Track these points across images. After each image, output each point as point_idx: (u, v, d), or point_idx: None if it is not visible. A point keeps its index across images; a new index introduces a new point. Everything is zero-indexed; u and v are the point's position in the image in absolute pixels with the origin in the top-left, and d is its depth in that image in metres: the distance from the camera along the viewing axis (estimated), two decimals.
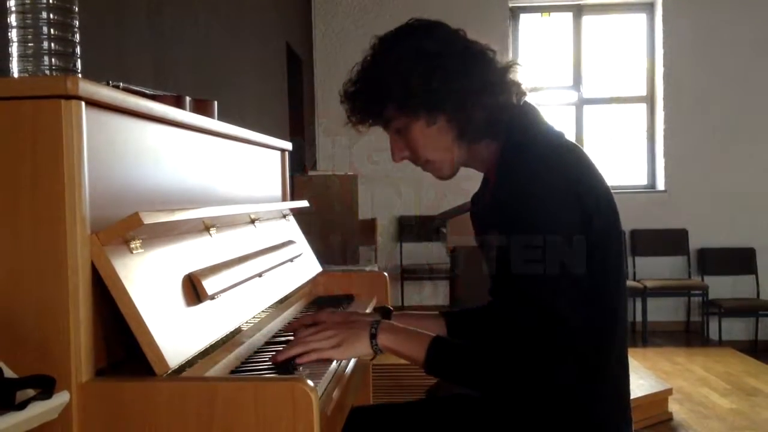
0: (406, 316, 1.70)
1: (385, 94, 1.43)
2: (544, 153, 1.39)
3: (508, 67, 1.47)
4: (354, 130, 1.52)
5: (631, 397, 1.51)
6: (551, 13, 6.96)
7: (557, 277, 1.31)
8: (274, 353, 1.43)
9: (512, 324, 1.33)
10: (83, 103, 1.10)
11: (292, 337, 1.66)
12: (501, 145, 1.46)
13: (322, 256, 2.46)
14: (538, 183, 1.34)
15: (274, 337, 1.69)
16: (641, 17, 6.86)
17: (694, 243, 6.51)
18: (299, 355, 1.39)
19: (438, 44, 1.42)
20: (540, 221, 1.32)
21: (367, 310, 2.09)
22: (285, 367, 1.37)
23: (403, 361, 1.44)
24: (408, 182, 6.35)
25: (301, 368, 1.40)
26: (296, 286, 1.99)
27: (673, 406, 4.16)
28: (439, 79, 1.40)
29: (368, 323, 1.43)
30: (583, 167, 1.42)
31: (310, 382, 1.09)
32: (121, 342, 1.16)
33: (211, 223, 1.52)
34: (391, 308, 1.70)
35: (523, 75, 1.48)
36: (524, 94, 1.48)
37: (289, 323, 1.75)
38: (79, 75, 1.34)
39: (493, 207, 1.46)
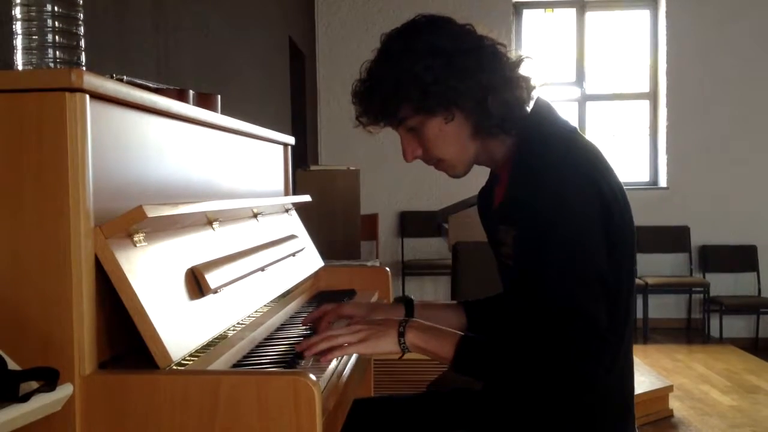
0: (427, 306, 1.69)
1: (400, 93, 1.40)
2: (562, 149, 1.38)
3: (519, 62, 1.45)
4: (365, 131, 1.49)
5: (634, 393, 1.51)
6: (554, 9, 6.95)
7: (584, 275, 1.29)
8: (291, 345, 1.42)
9: (541, 326, 1.30)
10: (88, 96, 1.10)
11: (294, 333, 1.66)
12: (516, 142, 1.45)
13: (324, 250, 2.47)
14: (559, 180, 1.32)
15: (276, 331, 1.69)
16: (644, 14, 6.85)
17: (696, 240, 6.50)
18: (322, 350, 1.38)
19: (450, 40, 1.40)
20: (564, 218, 1.30)
21: (373, 299, 2.09)
22: (286, 361, 1.38)
23: (404, 357, 1.44)
24: (410, 177, 6.35)
25: (303, 362, 1.40)
26: (298, 281, 1.99)
27: (674, 403, 4.16)
28: (455, 76, 1.38)
29: (396, 321, 1.40)
30: (600, 163, 1.41)
31: (312, 376, 1.10)
32: (124, 335, 1.16)
33: (214, 217, 1.53)
34: (413, 298, 1.69)
35: (533, 70, 1.47)
36: (534, 88, 1.46)
37: (308, 314, 1.71)
38: (83, 68, 1.34)
39: (508, 204, 1.44)
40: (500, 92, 1.40)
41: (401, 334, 1.37)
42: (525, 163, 1.40)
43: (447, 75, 1.38)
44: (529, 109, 1.46)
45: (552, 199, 1.31)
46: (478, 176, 1.67)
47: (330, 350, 1.36)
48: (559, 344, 1.28)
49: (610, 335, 1.30)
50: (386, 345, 1.38)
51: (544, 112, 1.46)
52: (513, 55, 1.46)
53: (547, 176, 1.34)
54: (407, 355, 1.41)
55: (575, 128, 1.47)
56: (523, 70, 1.45)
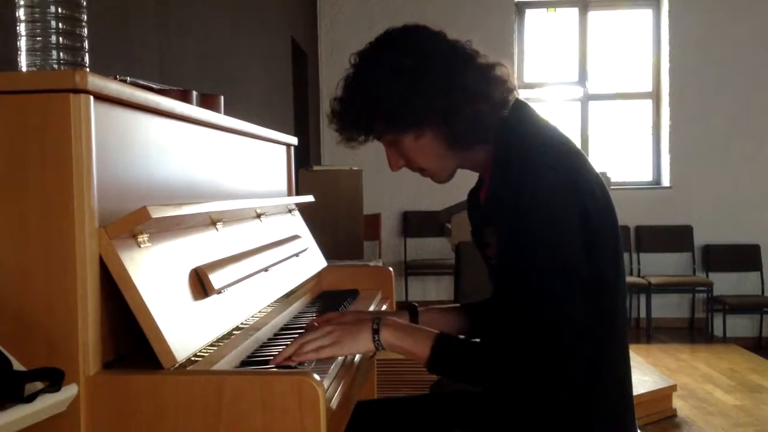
0: (430, 311, 1.70)
1: (370, 114, 1.43)
2: (539, 148, 1.38)
3: (493, 66, 1.45)
4: (347, 146, 1.52)
5: (636, 393, 1.51)
6: (557, 9, 6.95)
7: (559, 274, 1.30)
8: (277, 354, 1.42)
9: (516, 323, 1.31)
10: (92, 98, 1.10)
11: (298, 334, 1.67)
12: (494, 146, 1.45)
13: (327, 250, 2.47)
14: (535, 178, 1.33)
15: (280, 331, 1.70)
16: (647, 13, 6.84)
17: (699, 239, 6.50)
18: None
19: (415, 58, 1.40)
20: (540, 218, 1.31)
21: (373, 305, 2.10)
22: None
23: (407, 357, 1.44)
24: (413, 177, 6.34)
25: (306, 363, 1.40)
26: (302, 281, 2.00)
27: (677, 403, 4.16)
28: (419, 96, 1.39)
29: (369, 319, 1.41)
30: (578, 162, 1.41)
31: (316, 377, 1.10)
32: (129, 335, 1.16)
33: (217, 218, 1.53)
34: (417, 305, 1.70)
35: (509, 71, 1.47)
36: (512, 90, 1.46)
37: (313, 319, 1.72)
38: (87, 69, 1.34)
39: (489, 205, 1.45)
40: (468, 107, 1.40)
41: (375, 332, 1.38)
42: (503, 164, 1.41)
43: (411, 95, 1.39)
44: (507, 111, 1.46)
45: (528, 198, 1.32)
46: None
47: (303, 354, 1.36)
48: (530, 339, 1.29)
49: (588, 333, 1.31)
50: (360, 344, 1.38)
51: (520, 113, 1.46)
52: (486, 60, 1.45)
53: (523, 175, 1.34)
54: (407, 357, 1.40)
55: (554, 127, 1.47)
56: (499, 73, 1.45)
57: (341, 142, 1.52)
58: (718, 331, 6.30)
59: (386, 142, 1.49)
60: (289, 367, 1.35)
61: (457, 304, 1.74)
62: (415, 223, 6.61)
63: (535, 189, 1.32)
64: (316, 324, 1.60)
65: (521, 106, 1.47)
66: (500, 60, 1.47)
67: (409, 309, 1.69)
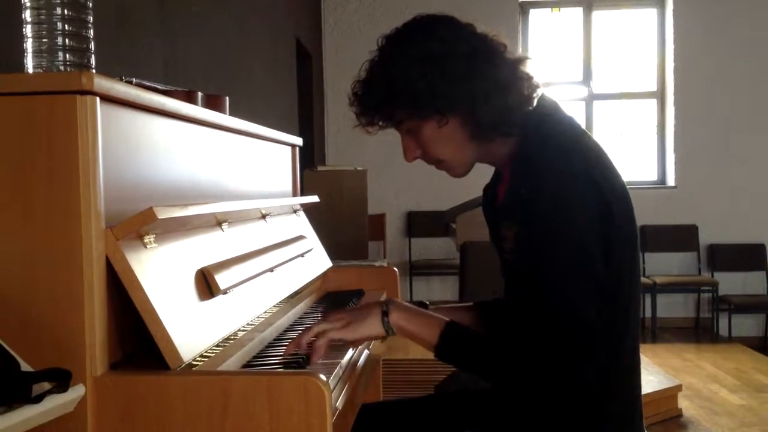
0: (442, 309, 1.69)
1: (394, 97, 1.41)
2: (562, 148, 1.37)
3: (520, 60, 1.44)
4: (363, 131, 1.49)
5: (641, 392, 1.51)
6: (561, 8, 6.94)
7: (577, 274, 1.29)
8: (286, 347, 1.43)
9: (530, 320, 1.31)
10: (98, 99, 1.10)
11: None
12: (517, 141, 1.44)
13: (332, 251, 2.47)
14: (557, 179, 1.32)
15: (285, 331, 1.70)
16: (652, 12, 6.83)
17: (704, 239, 6.49)
18: (310, 346, 1.38)
19: (445, 44, 1.39)
20: (562, 217, 1.30)
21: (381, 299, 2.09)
22: (297, 362, 1.38)
23: (412, 357, 1.43)
24: (418, 177, 6.35)
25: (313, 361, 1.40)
26: (307, 281, 2.00)
27: (683, 403, 4.15)
28: (447, 82, 1.37)
29: (378, 303, 1.41)
30: (602, 162, 1.40)
31: (322, 377, 1.10)
32: (135, 336, 1.17)
33: (223, 218, 1.53)
34: (427, 302, 1.69)
35: (535, 67, 1.46)
36: (537, 86, 1.45)
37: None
38: (93, 70, 1.34)
39: (509, 202, 1.45)
40: (493, 99, 1.39)
41: (385, 314, 1.38)
42: (525, 162, 1.40)
43: (438, 81, 1.37)
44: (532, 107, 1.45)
45: (551, 198, 1.31)
46: (486, 176, 1.67)
47: (314, 340, 1.37)
48: (544, 338, 1.28)
49: (603, 334, 1.30)
50: (370, 327, 1.39)
51: (546, 110, 1.45)
52: (513, 55, 1.44)
53: (546, 175, 1.33)
54: (415, 355, 1.40)
55: (579, 127, 1.46)
56: (525, 68, 1.43)
57: (359, 127, 1.49)
58: (723, 331, 6.28)
59: (405, 129, 1.47)
60: (296, 363, 1.36)
61: (470, 303, 1.73)
62: (420, 223, 6.61)
63: (556, 189, 1.31)
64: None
65: (547, 104, 1.46)
66: (527, 55, 1.46)
67: (419, 306, 1.68)
